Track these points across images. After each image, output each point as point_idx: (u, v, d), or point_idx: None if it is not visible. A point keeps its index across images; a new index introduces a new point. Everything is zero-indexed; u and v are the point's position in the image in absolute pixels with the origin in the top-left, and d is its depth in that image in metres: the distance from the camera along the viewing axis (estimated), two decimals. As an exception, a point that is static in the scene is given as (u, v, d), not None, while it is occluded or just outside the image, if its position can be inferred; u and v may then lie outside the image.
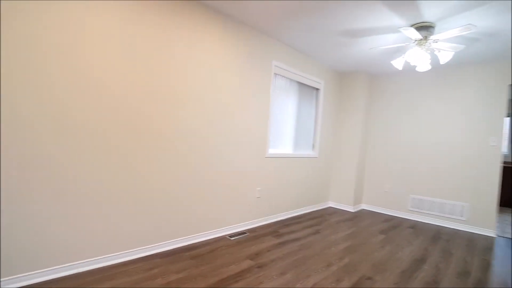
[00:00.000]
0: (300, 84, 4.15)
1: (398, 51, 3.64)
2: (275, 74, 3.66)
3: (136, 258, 2.39)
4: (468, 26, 2.46)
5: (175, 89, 2.56)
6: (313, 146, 4.56)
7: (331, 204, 4.94)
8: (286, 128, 3.99)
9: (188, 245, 2.76)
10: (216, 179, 2.99)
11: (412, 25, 2.89)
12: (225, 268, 2.33)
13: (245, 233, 3.21)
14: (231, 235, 3.10)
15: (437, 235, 3.64)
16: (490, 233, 3.74)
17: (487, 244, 3.39)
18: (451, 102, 4.10)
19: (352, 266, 2.54)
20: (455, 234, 3.73)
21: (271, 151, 3.75)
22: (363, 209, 4.88)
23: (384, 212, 4.68)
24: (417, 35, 2.73)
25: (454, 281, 2.38)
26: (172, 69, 2.52)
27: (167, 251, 2.58)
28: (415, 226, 3.98)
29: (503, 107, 3.68)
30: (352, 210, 4.66)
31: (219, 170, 3.01)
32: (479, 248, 3.25)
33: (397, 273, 2.46)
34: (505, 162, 5.91)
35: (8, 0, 1.68)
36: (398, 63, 3.18)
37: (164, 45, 2.44)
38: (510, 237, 3.74)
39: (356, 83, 4.71)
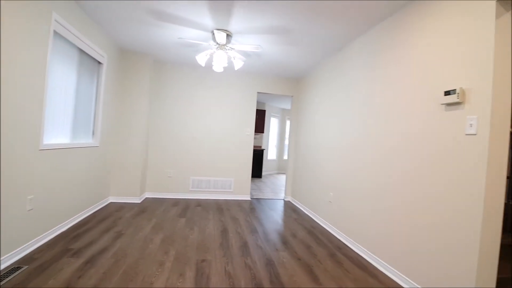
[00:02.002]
0: (82, 53, 3.22)
1: (191, 46, 3.87)
2: (55, 32, 2.59)
3: None
4: (258, 46, 3.17)
5: None
6: (94, 133, 3.74)
7: (112, 199, 4.35)
8: (63, 109, 2.97)
9: None
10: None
11: (217, 29, 3.21)
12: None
13: (20, 267, 2.10)
14: (-8, 279, 1.91)
15: (219, 207, 4.40)
16: (247, 197, 5.10)
17: (249, 205, 4.61)
18: (225, 99, 5.01)
19: (182, 256, 2.50)
20: (228, 203, 4.70)
21: (48, 141, 2.66)
22: (147, 197, 4.76)
23: (169, 197, 4.86)
24: (223, 39, 3.08)
25: (253, 237, 3.08)
26: None
27: None
28: (201, 204, 4.53)
29: (254, 106, 5.08)
30: (139, 201, 4.41)
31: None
32: (247, 209, 4.34)
33: (218, 248, 2.75)
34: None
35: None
36: (201, 59, 3.41)
37: None
38: (257, 197, 5.32)
39: (143, 66, 4.40)
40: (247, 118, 5.08)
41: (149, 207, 4.15)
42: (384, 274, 2.40)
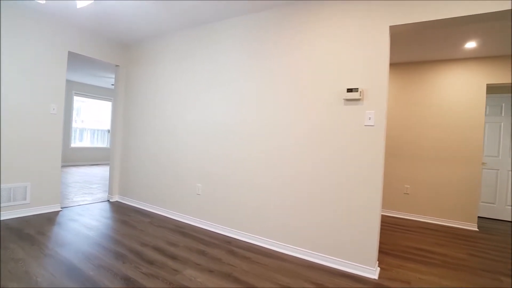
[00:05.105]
0: None
1: None
2: None
3: None
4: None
5: None
6: None
7: None
8: None
9: None
10: None
11: None
12: None
13: None
14: None
15: (19, 232, 2.64)
16: (57, 207, 3.42)
17: (69, 219, 3.13)
18: (20, 55, 2.97)
19: None
20: (30, 222, 2.92)
21: None
22: None
23: None
24: None
25: (128, 266, 2.16)
26: None
27: None
28: (-33, 237, 2.50)
29: (64, 73, 3.41)
30: None
31: None
32: (71, 226, 2.94)
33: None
34: None
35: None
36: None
37: None
38: (69, 205, 3.70)
39: None
40: (53, 89, 3.34)
41: None
42: (292, 255, 2.53)
